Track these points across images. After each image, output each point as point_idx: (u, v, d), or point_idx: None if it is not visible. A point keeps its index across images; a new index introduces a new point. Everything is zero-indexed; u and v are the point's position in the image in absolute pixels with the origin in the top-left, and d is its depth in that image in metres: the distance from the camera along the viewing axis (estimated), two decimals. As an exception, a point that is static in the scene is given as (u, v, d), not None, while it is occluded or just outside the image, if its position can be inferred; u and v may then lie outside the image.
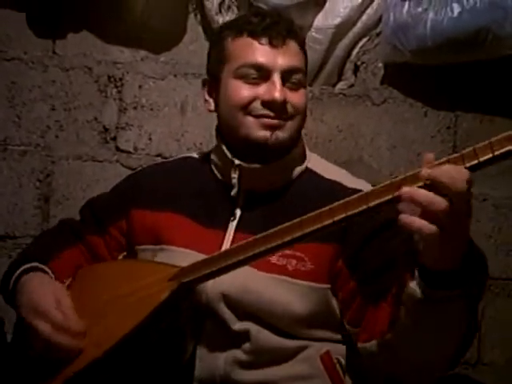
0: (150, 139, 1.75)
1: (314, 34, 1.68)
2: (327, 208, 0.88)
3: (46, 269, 1.21)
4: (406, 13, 1.60)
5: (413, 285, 0.90)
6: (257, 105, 1.17)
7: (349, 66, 1.76)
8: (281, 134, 1.18)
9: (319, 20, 1.68)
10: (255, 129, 1.18)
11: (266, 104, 1.17)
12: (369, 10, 1.70)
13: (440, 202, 0.79)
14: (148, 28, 1.73)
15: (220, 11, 1.69)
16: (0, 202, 1.72)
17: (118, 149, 1.75)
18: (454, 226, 0.80)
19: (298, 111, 1.20)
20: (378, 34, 1.72)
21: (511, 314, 1.76)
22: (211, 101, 1.27)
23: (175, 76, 1.76)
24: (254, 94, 1.17)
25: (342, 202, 0.87)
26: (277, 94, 1.15)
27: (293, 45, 1.20)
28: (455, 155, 0.81)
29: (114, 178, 1.71)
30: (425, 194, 0.80)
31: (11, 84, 1.72)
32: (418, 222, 0.81)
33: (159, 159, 1.73)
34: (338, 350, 1.19)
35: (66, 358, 1.07)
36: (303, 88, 1.22)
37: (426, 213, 0.80)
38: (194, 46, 1.76)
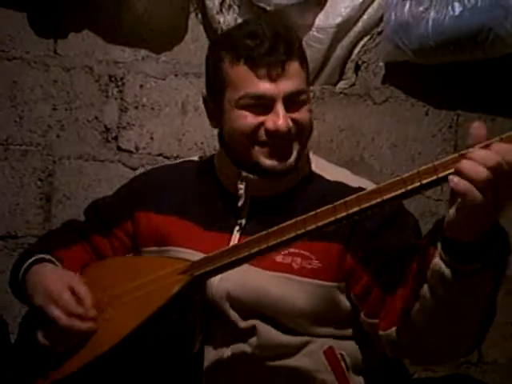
0: (152, 139, 1.75)
1: (315, 33, 1.68)
2: (342, 201, 0.88)
3: (55, 260, 1.22)
4: (408, 12, 1.60)
5: (437, 260, 0.89)
6: (262, 133, 1.17)
7: (350, 66, 1.76)
8: (289, 161, 1.18)
9: (320, 19, 1.68)
10: (262, 158, 1.17)
11: (271, 133, 1.16)
12: (370, 9, 1.70)
13: (483, 172, 0.77)
14: (149, 27, 1.73)
15: (221, 10, 1.69)
16: (2, 202, 1.72)
17: (119, 148, 1.76)
18: (493, 199, 0.79)
19: (303, 130, 1.19)
20: (379, 33, 1.72)
21: (512, 313, 1.76)
22: (213, 118, 1.25)
23: (176, 75, 1.76)
24: (259, 122, 1.16)
25: (355, 196, 0.87)
26: (280, 123, 1.14)
27: (293, 66, 1.16)
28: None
29: (115, 177, 1.72)
30: (470, 163, 0.79)
31: (13, 84, 1.72)
32: (464, 185, 0.79)
33: (160, 159, 1.74)
34: (342, 346, 1.19)
35: (77, 344, 1.07)
36: (307, 104, 1.20)
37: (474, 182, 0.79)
38: (195, 45, 1.76)
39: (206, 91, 1.26)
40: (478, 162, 0.78)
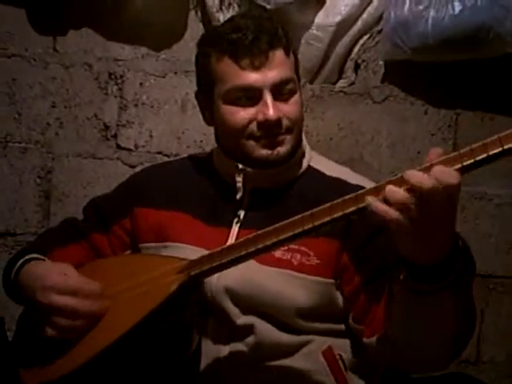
0: (151, 137, 1.75)
1: (314, 31, 1.67)
2: (340, 200, 0.88)
3: (47, 260, 1.21)
4: (407, 10, 1.60)
5: (400, 278, 0.90)
6: (254, 127, 1.17)
7: (349, 64, 1.76)
8: (281, 150, 1.18)
9: (320, 18, 1.67)
10: (256, 150, 1.18)
11: (262, 125, 1.16)
12: (369, 8, 1.69)
13: (404, 199, 0.79)
14: (149, 25, 1.73)
15: (221, 8, 1.69)
16: (0, 199, 1.72)
17: (118, 146, 1.75)
18: (423, 223, 0.80)
19: (294, 122, 1.19)
20: (378, 32, 1.72)
21: (510, 312, 1.76)
22: (207, 115, 1.26)
23: (176, 73, 1.76)
24: (249, 117, 1.16)
25: (353, 195, 0.87)
26: (270, 114, 1.14)
27: (278, 55, 1.17)
28: (452, 154, 0.81)
29: (114, 175, 1.71)
30: (392, 191, 0.81)
31: (12, 81, 1.72)
32: (383, 210, 0.80)
33: (160, 157, 1.74)
34: (340, 346, 1.19)
35: (75, 342, 1.06)
36: (296, 94, 1.20)
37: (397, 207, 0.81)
38: (195, 43, 1.75)
39: (198, 89, 1.28)
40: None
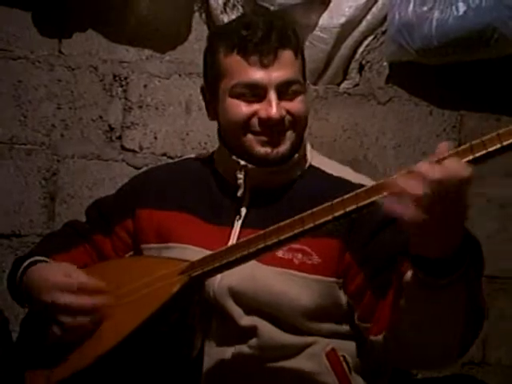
0: (155, 138, 1.76)
1: (318, 33, 1.68)
2: (339, 200, 0.89)
3: (52, 261, 1.22)
4: (412, 12, 1.60)
5: (409, 273, 0.91)
6: (255, 121, 1.18)
7: (354, 65, 1.76)
8: (282, 149, 1.19)
9: (324, 19, 1.68)
10: (255, 146, 1.18)
11: (264, 122, 1.17)
12: (374, 9, 1.70)
13: (416, 189, 0.79)
14: (153, 27, 1.74)
15: (225, 10, 1.69)
16: (6, 201, 1.73)
17: (123, 148, 1.76)
18: (435, 215, 0.80)
19: (296, 120, 1.20)
20: (383, 33, 1.72)
21: (516, 313, 1.76)
22: (211, 110, 1.27)
23: (180, 75, 1.76)
24: (252, 111, 1.17)
25: (352, 193, 0.88)
26: (273, 112, 1.15)
27: (286, 55, 1.17)
28: (464, 146, 0.81)
29: (119, 176, 1.72)
30: (404, 181, 0.81)
31: (17, 83, 1.73)
32: (400, 208, 0.81)
33: (164, 158, 1.74)
34: (345, 348, 1.19)
35: (79, 344, 1.07)
36: (302, 95, 1.20)
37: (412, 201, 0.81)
38: (199, 45, 1.76)
39: (204, 83, 1.28)
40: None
